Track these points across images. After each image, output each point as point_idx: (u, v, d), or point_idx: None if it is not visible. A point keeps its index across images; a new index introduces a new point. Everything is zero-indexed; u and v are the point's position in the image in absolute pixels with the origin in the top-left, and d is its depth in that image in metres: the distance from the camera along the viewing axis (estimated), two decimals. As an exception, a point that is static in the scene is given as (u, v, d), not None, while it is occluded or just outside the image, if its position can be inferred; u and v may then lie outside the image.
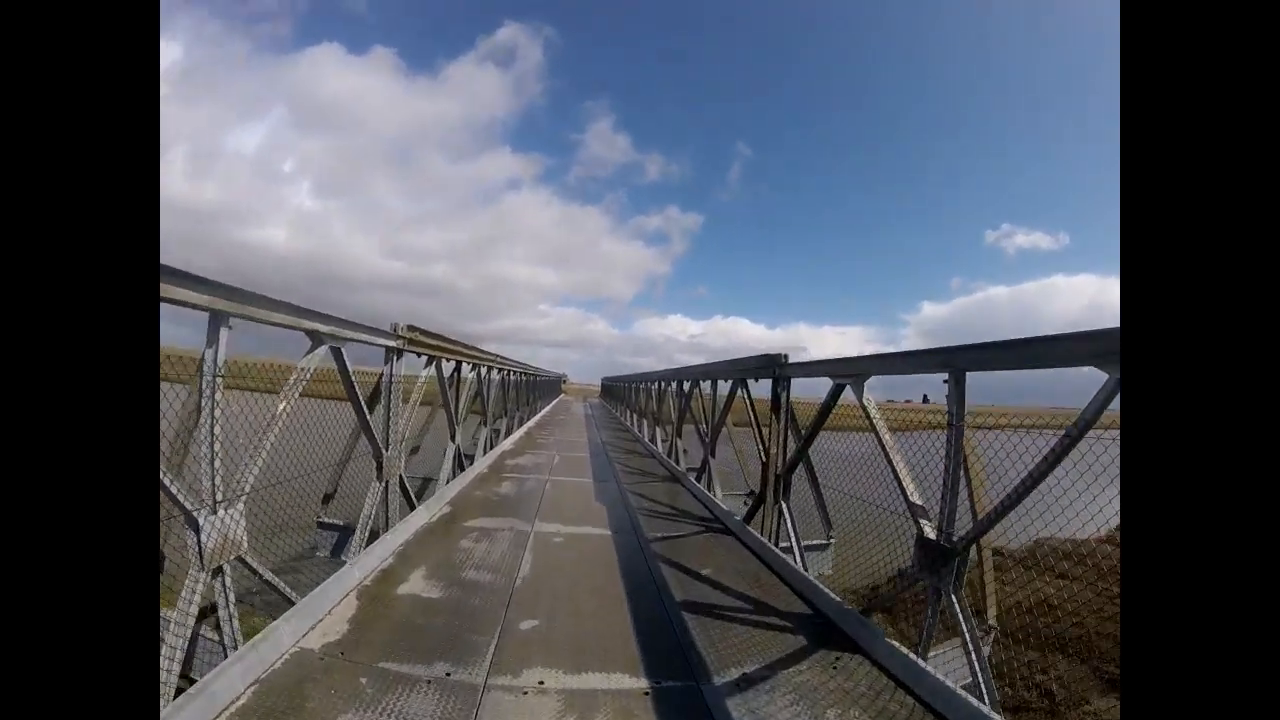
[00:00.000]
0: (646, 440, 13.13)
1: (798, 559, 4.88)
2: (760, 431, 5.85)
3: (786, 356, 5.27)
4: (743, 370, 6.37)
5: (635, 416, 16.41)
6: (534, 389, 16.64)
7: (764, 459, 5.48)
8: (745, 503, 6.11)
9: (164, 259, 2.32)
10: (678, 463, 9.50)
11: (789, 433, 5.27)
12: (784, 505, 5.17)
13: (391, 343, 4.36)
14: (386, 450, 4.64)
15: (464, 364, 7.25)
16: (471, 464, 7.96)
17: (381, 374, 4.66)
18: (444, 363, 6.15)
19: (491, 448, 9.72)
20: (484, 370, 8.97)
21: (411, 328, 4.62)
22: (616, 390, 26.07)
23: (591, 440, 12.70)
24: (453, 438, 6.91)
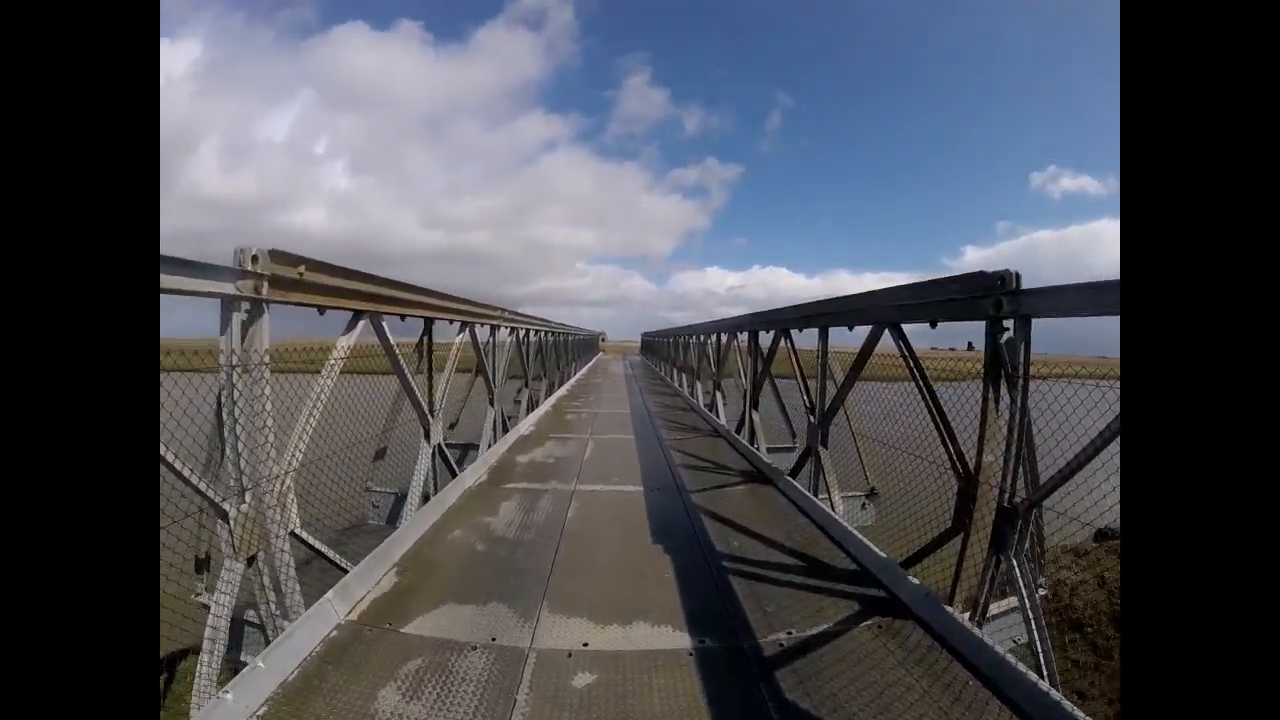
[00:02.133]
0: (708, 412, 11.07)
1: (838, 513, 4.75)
2: (804, 382, 5.69)
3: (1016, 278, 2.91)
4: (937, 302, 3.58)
5: (686, 377, 14.74)
6: (565, 350, 16.36)
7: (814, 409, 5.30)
8: (863, 505, 5.76)
9: (204, 256, 2.31)
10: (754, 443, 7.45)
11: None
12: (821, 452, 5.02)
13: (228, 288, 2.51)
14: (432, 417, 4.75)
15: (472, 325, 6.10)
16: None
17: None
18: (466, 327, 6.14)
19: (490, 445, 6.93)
20: (478, 329, 6.44)
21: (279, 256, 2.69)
22: (657, 346, 25.78)
23: (636, 414, 11.10)
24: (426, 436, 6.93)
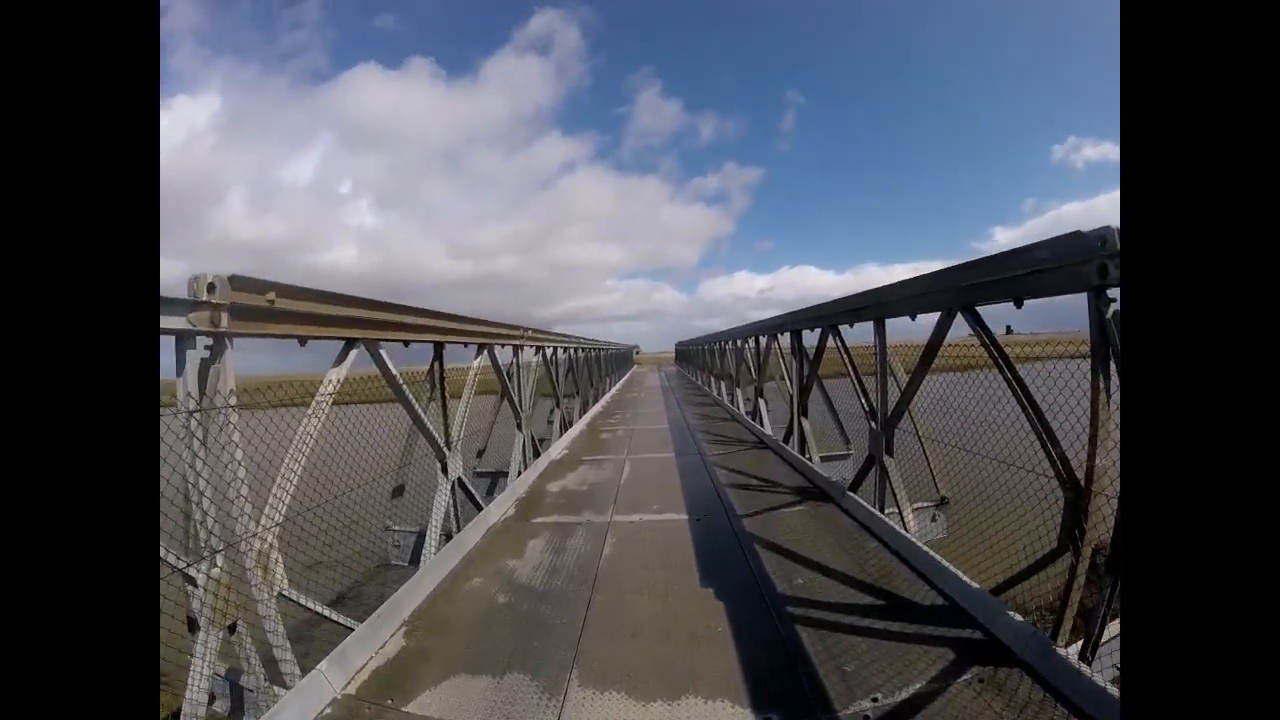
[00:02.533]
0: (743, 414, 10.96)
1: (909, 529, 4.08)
2: (861, 383, 5.04)
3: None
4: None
5: (725, 384, 14.07)
6: (597, 365, 15.86)
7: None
8: (933, 517, 5.16)
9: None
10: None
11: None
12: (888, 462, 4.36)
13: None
14: (449, 450, 4.37)
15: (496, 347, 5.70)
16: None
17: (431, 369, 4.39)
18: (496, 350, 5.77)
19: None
20: (498, 350, 5.98)
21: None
22: (692, 355, 25.18)
23: (675, 429, 10.36)
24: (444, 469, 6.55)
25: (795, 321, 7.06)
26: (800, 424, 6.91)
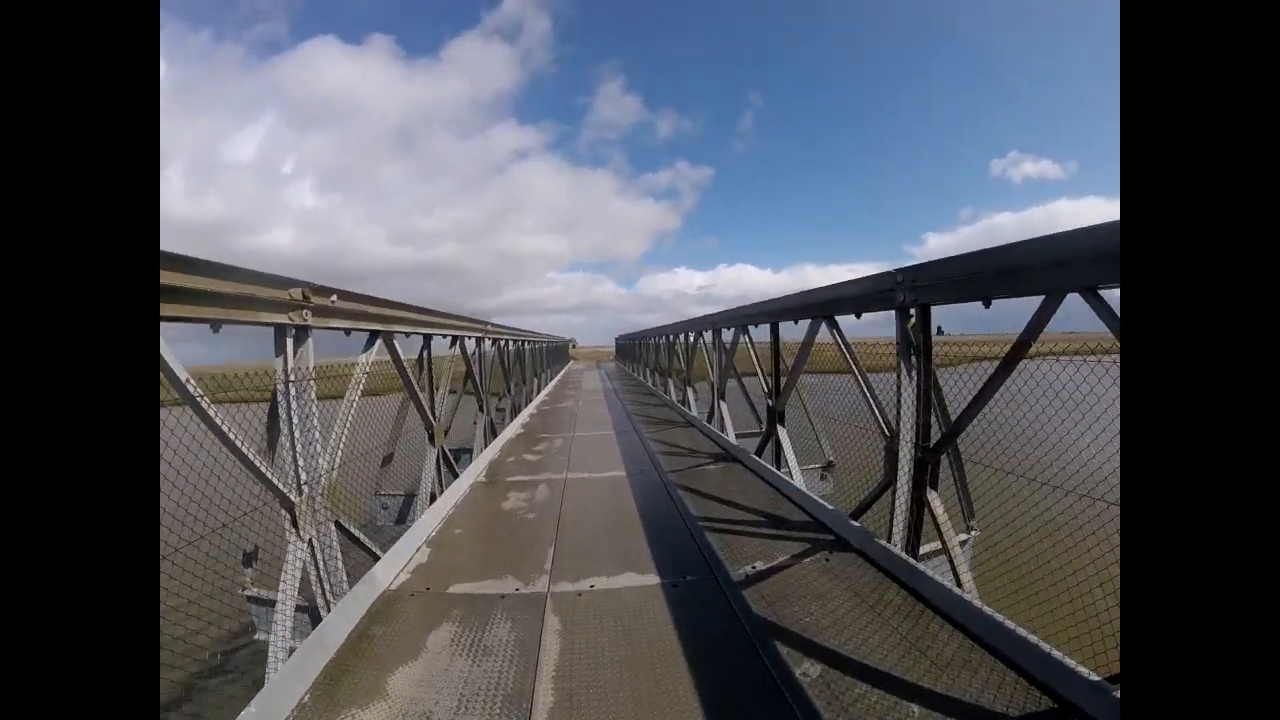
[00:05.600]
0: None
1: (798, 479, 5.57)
2: (763, 369, 6.55)
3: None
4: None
5: (659, 377, 14.75)
6: (539, 359, 15.82)
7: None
8: (821, 476, 6.61)
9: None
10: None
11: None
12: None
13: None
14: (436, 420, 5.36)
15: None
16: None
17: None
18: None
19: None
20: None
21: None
22: (631, 350, 25.90)
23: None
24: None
25: (715, 322, 8.51)
26: (719, 406, 8.38)
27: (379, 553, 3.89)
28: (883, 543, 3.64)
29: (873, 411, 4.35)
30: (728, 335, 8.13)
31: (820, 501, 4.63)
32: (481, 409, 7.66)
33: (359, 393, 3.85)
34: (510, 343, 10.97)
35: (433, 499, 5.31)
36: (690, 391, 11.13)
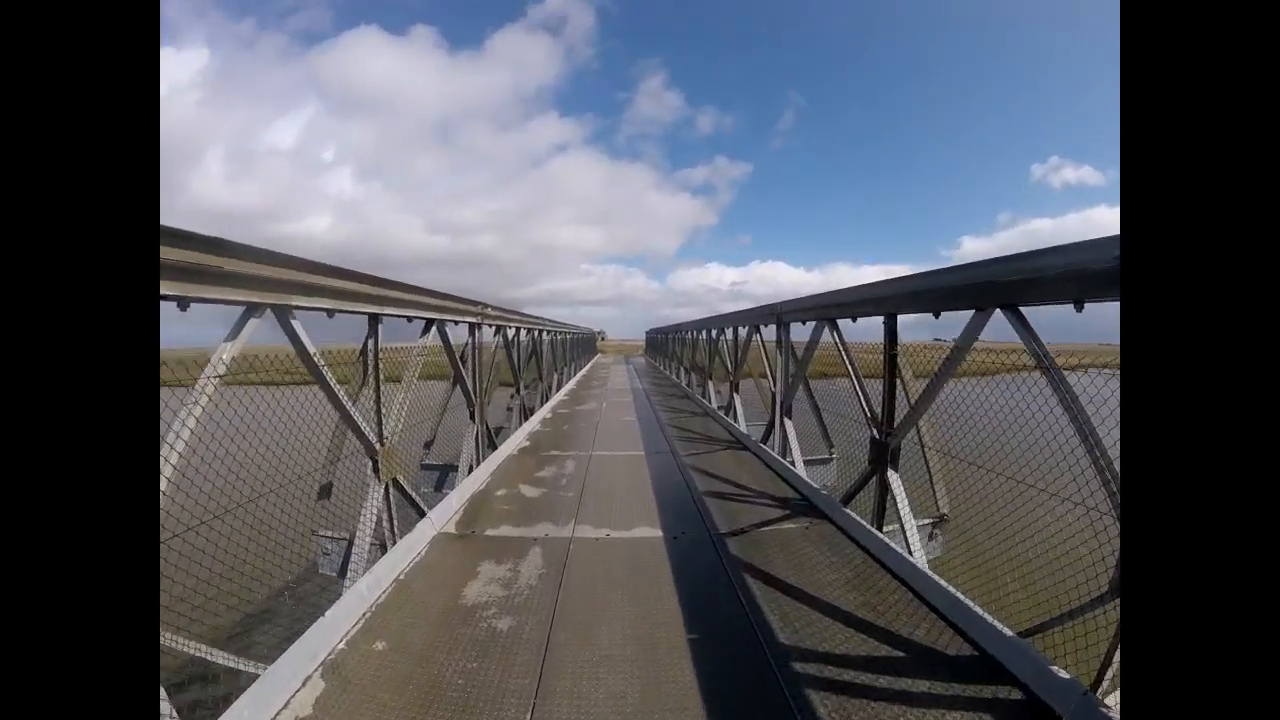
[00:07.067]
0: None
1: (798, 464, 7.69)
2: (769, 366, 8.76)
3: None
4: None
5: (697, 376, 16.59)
6: (564, 351, 16.36)
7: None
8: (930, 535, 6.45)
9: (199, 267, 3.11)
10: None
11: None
12: (787, 423, 8.02)
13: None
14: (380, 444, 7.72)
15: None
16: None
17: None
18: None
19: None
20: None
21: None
22: (664, 344, 27.46)
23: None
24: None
25: (782, 313, 8.59)
26: (783, 424, 8.33)
27: (425, 507, 6.09)
28: (858, 518, 5.59)
29: (862, 408, 6.21)
30: (790, 332, 8.47)
31: (819, 489, 6.69)
32: (473, 417, 7.78)
33: (415, 371, 6.14)
34: (522, 331, 11.62)
35: (383, 549, 7.51)
36: (735, 396, 11.75)
